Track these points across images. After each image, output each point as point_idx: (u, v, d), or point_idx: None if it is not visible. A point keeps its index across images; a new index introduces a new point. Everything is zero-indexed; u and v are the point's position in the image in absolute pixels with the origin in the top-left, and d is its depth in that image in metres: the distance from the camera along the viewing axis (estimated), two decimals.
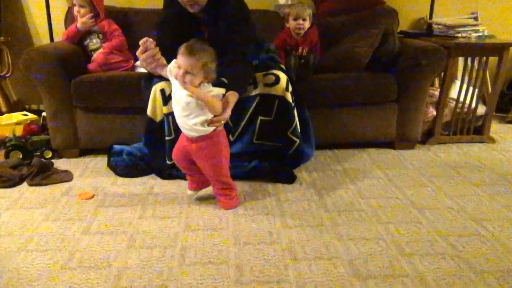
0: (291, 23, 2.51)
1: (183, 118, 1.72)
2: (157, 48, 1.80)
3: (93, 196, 2.00)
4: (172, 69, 1.71)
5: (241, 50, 2.02)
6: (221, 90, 1.80)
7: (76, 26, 2.58)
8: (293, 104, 2.11)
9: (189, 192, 1.94)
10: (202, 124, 1.71)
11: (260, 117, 2.11)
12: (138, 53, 1.82)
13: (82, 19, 2.57)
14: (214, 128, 1.74)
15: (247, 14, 2.09)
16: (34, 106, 3.22)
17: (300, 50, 2.53)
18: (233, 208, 1.88)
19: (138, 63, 2.63)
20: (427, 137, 2.74)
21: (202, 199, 1.96)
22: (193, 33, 2.07)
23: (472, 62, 2.68)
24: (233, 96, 1.82)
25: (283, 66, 2.25)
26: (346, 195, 2.01)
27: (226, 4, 2.02)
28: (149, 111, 2.15)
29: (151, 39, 1.79)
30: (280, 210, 1.87)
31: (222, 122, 1.76)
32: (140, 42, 1.79)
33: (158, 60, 1.82)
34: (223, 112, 1.73)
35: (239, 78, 1.95)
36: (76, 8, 2.58)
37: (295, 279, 1.41)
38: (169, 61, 1.78)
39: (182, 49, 1.63)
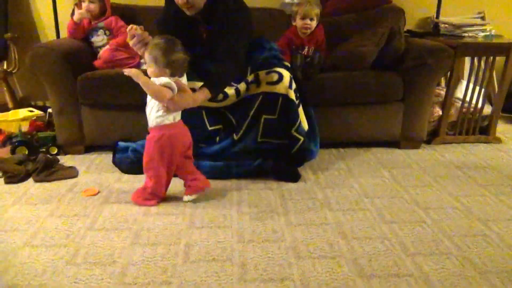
0: (298, 22, 2.51)
1: (148, 104, 1.82)
2: (146, 33, 1.81)
3: (98, 192, 2.00)
4: None
5: (230, 51, 1.99)
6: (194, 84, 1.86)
7: (72, 19, 2.59)
8: (297, 102, 2.11)
9: (185, 197, 1.92)
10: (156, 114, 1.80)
11: (264, 116, 2.10)
12: (127, 40, 1.84)
13: (79, 11, 2.58)
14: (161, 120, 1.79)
15: (244, 17, 2.07)
16: (40, 103, 3.24)
17: (306, 49, 2.52)
18: (138, 203, 1.88)
19: (143, 60, 2.63)
20: (433, 136, 2.73)
21: (206, 197, 1.96)
22: (191, 32, 2.07)
23: (479, 62, 2.67)
24: (201, 93, 1.85)
25: (286, 64, 2.24)
26: (350, 194, 2.01)
27: (223, 5, 2.01)
28: None
29: (135, 26, 1.80)
30: (284, 208, 1.87)
31: (169, 106, 1.76)
32: (127, 29, 1.81)
33: (146, 44, 1.82)
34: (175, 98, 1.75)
35: (216, 78, 1.94)
36: (84, 4, 2.59)
37: (299, 277, 1.41)
38: None
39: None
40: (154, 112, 1.79)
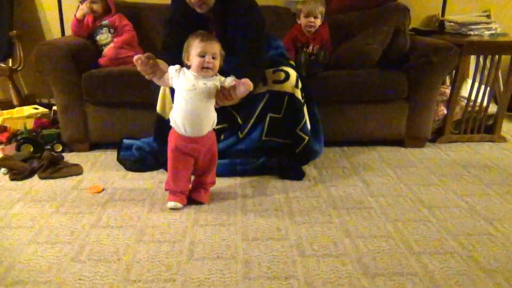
0: (303, 20, 2.50)
1: (205, 113, 1.74)
2: (150, 60, 1.69)
3: (102, 190, 2.01)
4: (182, 69, 1.72)
5: (253, 53, 1.99)
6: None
7: (75, 17, 2.60)
8: (302, 101, 2.10)
9: (178, 205, 1.84)
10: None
11: (269, 114, 2.10)
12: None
13: (81, 6, 2.59)
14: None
15: (257, 13, 2.07)
16: (45, 100, 3.24)
17: (310, 47, 2.52)
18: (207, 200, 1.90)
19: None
20: (438, 135, 2.73)
21: (210, 195, 1.95)
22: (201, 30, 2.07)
23: (484, 60, 2.65)
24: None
25: (292, 63, 2.24)
26: (355, 193, 2.01)
27: (235, 3, 2.01)
28: (158, 108, 2.15)
29: (142, 58, 1.67)
30: (289, 207, 1.87)
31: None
32: (134, 59, 1.69)
33: (153, 72, 1.72)
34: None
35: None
36: (86, 4, 2.60)
37: (303, 276, 1.41)
38: (174, 57, 1.77)
39: (200, 37, 1.68)
40: (214, 115, 1.79)
